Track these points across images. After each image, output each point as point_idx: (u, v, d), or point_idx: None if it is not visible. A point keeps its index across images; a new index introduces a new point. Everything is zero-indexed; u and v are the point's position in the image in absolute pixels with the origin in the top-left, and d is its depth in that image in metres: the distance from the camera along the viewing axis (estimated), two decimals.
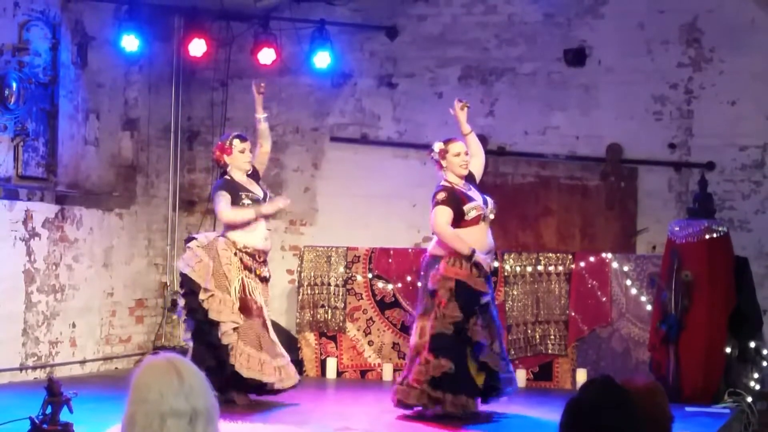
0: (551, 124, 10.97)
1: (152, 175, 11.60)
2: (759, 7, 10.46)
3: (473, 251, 7.92)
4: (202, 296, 8.32)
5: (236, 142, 8.67)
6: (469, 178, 8.30)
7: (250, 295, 8.43)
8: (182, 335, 9.19)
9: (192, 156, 11.92)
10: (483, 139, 10.38)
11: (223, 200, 8.49)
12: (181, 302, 8.52)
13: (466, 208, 8.05)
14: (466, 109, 8.43)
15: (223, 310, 8.29)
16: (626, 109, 10.75)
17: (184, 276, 8.50)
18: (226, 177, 8.64)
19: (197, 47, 10.83)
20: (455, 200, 8.04)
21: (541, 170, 10.95)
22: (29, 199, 9.85)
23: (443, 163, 8.18)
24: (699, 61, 10.60)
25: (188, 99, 11.85)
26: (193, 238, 8.70)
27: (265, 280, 8.61)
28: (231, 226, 8.52)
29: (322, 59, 10.92)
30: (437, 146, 8.24)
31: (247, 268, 8.45)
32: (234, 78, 11.66)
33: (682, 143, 10.65)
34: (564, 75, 10.94)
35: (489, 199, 8.27)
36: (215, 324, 8.29)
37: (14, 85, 9.51)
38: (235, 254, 8.42)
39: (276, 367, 8.41)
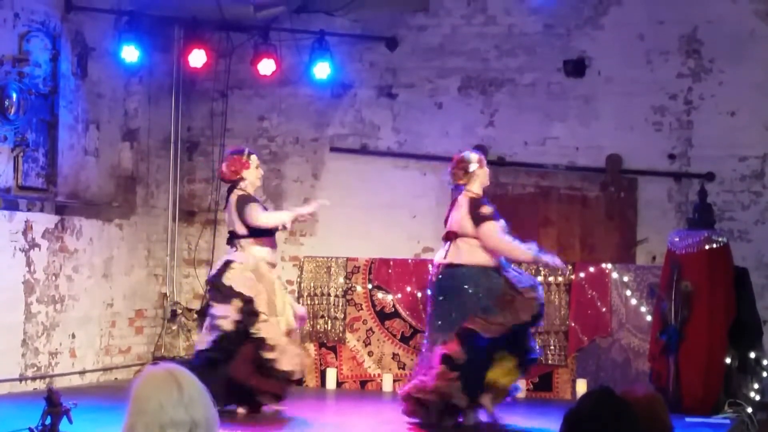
0: (551, 135, 10.98)
1: (152, 185, 11.60)
2: (758, 18, 10.48)
3: (537, 252, 8.10)
4: (260, 320, 8.41)
5: (254, 157, 8.88)
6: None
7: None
8: (197, 340, 9.19)
9: (192, 166, 11.92)
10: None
11: (256, 208, 8.64)
12: (220, 310, 8.47)
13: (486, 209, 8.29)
14: None
15: (276, 332, 8.43)
16: (626, 119, 10.76)
17: (228, 289, 8.49)
18: (244, 192, 8.69)
19: (197, 58, 10.84)
20: (496, 216, 8.26)
21: (540, 181, 10.96)
22: (29, 210, 9.85)
23: (479, 173, 8.34)
24: (698, 71, 10.61)
25: (188, 110, 11.85)
26: (232, 261, 8.67)
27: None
28: (259, 243, 8.60)
29: (321, 70, 10.93)
30: (474, 156, 8.41)
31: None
32: (234, 89, 11.68)
33: (682, 154, 10.65)
34: (564, 86, 10.95)
35: (503, 223, 8.43)
36: (265, 345, 8.37)
37: (14, 95, 9.52)
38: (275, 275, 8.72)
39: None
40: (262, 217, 8.59)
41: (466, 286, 8.03)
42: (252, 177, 8.76)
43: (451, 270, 8.13)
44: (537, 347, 8.54)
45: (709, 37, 10.57)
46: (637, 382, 9.56)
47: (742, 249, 10.19)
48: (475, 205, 8.18)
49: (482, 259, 8.13)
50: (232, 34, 11.35)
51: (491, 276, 8.10)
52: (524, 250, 8.16)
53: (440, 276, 8.20)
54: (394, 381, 10.36)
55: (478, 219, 8.13)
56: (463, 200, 8.24)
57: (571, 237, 10.83)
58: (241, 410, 8.45)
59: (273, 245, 8.75)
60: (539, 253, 8.15)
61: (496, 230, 8.13)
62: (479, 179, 8.32)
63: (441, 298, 8.16)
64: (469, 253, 8.13)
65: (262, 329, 8.35)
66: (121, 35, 10.60)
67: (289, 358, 8.42)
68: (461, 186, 8.31)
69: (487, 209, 8.18)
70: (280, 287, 8.66)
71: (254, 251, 8.59)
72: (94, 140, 10.79)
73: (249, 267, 8.52)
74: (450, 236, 8.26)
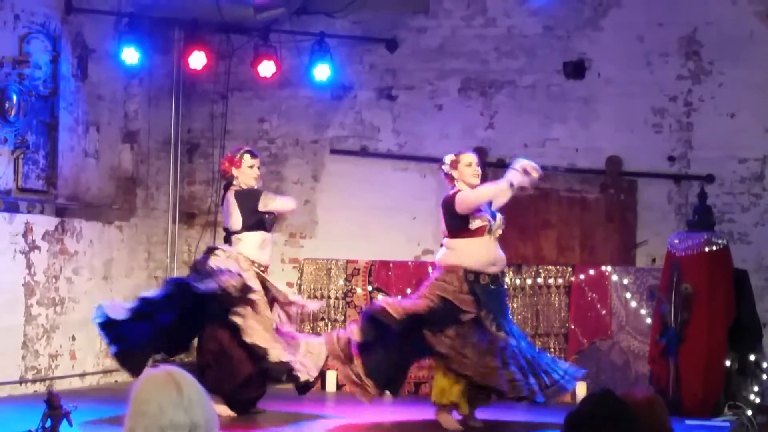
0: (551, 137, 10.97)
1: (152, 187, 11.60)
2: (758, 20, 10.48)
3: (510, 182, 8.06)
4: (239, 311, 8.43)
5: (246, 157, 8.77)
6: None
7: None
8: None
9: (192, 168, 11.92)
10: (482, 152, 10.42)
11: (270, 194, 8.86)
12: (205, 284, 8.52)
13: (471, 216, 8.09)
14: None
15: (257, 330, 8.42)
16: (626, 121, 10.76)
17: (213, 269, 8.55)
18: (240, 188, 8.70)
19: (197, 60, 10.84)
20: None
21: (540, 183, 10.91)
22: (29, 212, 9.85)
23: (454, 174, 8.24)
24: (698, 73, 10.61)
25: (188, 111, 11.85)
26: (217, 248, 8.75)
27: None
28: (243, 241, 8.61)
29: (321, 72, 10.93)
30: (448, 158, 8.31)
31: (264, 286, 8.64)
32: (234, 90, 11.68)
33: (682, 156, 10.65)
34: (563, 87, 10.95)
35: (499, 215, 8.27)
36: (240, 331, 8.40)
37: (14, 97, 9.52)
38: (255, 273, 8.59)
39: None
40: (280, 199, 8.84)
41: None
42: (245, 176, 8.72)
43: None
44: (533, 389, 8.04)
45: (708, 39, 10.57)
46: (636, 385, 9.56)
47: (742, 251, 10.19)
48: (448, 194, 8.22)
49: (451, 259, 8.11)
50: (232, 35, 11.35)
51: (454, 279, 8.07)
52: (497, 186, 8.16)
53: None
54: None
55: (448, 200, 8.15)
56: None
57: (570, 239, 10.83)
58: (224, 410, 8.40)
59: (262, 247, 8.70)
60: (510, 176, 8.08)
61: (466, 193, 8.09)
62: (462, 177, 8.22)
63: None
64: (444, 255, 8.19)
65: (243, 314, 8.38)
66: (122, 37, 10.60)
67: (271, 346, 8.39)
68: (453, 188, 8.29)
69: (454, 191, 8.15)
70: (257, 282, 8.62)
71: (249, 253, 8.61)
72: (94, 142, 10.79)
73: (232, 256, 8.56)
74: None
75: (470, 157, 8.32)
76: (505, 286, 8.53)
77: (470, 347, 7.93)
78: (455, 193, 8.14)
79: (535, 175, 8.21)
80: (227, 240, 8.79)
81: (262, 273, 8.67)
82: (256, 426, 8.14)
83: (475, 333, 7.98)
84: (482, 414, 8.27)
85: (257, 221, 8.69)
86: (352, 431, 8.30)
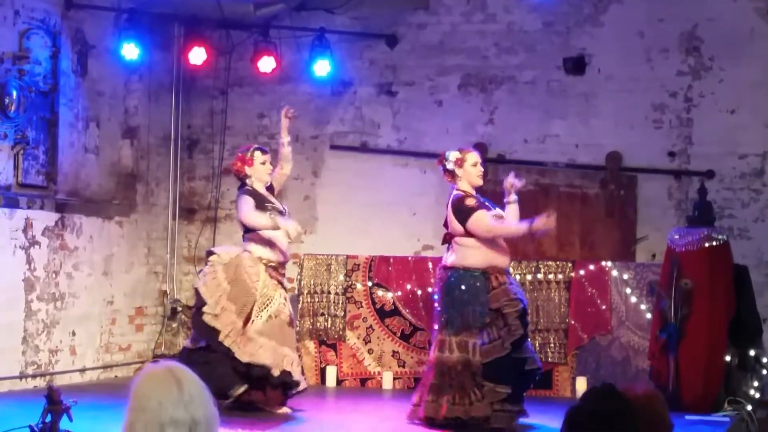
0: (551, 132, 10.98)
1: (152, 183, 11.60)
2: (758, 16, 10.48)
3: (531, 223, 7.91)
4: (206, 310, 8.40)
5: (257, 154, 8.76)
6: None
7: (283, 306, 8.58)
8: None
9: (192, 164, 11.92)
10: (483, 147, 10.42)
11: (247, 204, 8.55)
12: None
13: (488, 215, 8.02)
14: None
15: (230, 330, 8.40)
16: (626, 117, 10.76)
17: (196, 290, 8.65)
18: (248, 187, 8.68)
19: (197, 55, 10.84)
20: (484, 205, 8.05)
21: (540, 178, 10.96)
22: (29, 207, 9.85)
23: (459, 172, 8.11)
24: (698, 69, 10.62)
25: (188, 107, 11.85)
26: (212, 253, 8.76)
27: (286, 290, 8.81)
28: (253, 240, 8.60)
29: (321, 67, 10.93)
30: (452, 155, 8.15)
31: (280, 283, 8.63)
32: (234, 86, 11.68)
33: (682, 151, 10.66)
34: (563, 83, 10.95)
35: (497, 210, 8.17)
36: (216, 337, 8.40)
37: (14, 93, 9.52)
38: (265, 270, 8.53)
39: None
40: (250, 213, 8.52)
41: (463, 287, 7.97)
42: (258, 173, 8.72)
43: (449, 272, 8.09)
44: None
45: (709, 35, 10.57)
46: (636, 380, 9.57)
47: (742, 247, 10.19)
48: (458, 201, 8.05)
49: (472, 261, 8.03)
50: (232, 31, 11.35)
51: (478, 279, 8.00)
52: (517, 226, 8.04)
53: (441, 279, 8.18)
54: (394, 379, 10.37)
55: (463, 214, 7.98)
56: (450, 200, 8.19)
57: (570, 235, 10.83)
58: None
59: (271, 245, 8.68)
60: (531, 221, 7.92)
61: (483, 218, 7.94)
62: (465, 177, 8.13)
63: (447, 299, 8.09)
64: (460, 256, 8.07)
65: (211, 321, 8.40)
66: (122, 33, 10.60)
67: (252, 350, 8.35)
68: (453, 185, 8.21)
69: (470, 201, 8.00)
70: (270, 286, 8.57)
71: (258, 251, 8.61)
72: (95, 138, 10.79)
73: (224, 260, 8.58)
74: (447, 238, 8.21)
75: (475, 157, 8.21)
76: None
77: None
78: (471, 209, 8.00)
79: (552, 225, 8.06)
80: (243, 237, 8.81)
81: (274, 270, 8.64)
82: (256, 423, 8.14)
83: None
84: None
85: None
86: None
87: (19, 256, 9.76)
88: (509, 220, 8.15)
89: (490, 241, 8.01)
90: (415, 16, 11.32)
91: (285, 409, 8.57)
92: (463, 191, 8.10)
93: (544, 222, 7.96)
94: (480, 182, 8.21)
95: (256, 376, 8.37)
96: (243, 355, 8.33)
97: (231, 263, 8.57)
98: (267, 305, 8.49)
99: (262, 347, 8.36)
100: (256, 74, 11.02)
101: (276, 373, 8.36)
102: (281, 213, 8.65)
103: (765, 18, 10.47)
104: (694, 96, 10.62)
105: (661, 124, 10.71)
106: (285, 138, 9.00)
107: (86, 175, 10.67)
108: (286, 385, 8.52)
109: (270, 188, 8.84)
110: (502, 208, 8.24)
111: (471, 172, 8.14)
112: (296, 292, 10.75)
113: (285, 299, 8.65)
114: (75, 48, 10.46)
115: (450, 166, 8.14)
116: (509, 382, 7.87)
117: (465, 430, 7.82)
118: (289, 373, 8.42)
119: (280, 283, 8.68)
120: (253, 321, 8.42)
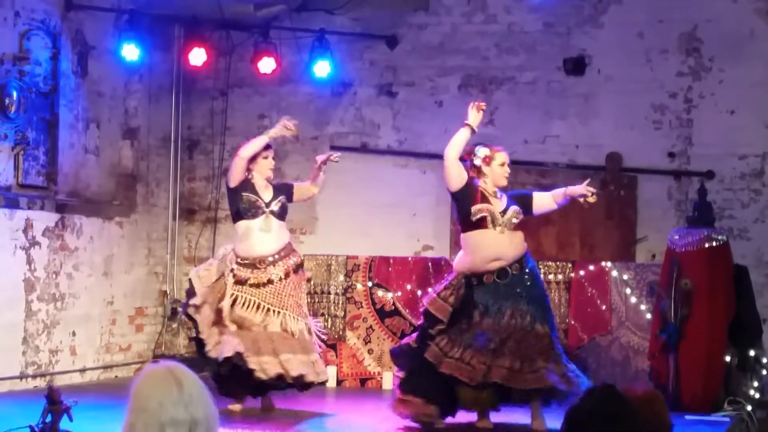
0: (551, 133, 10.98)
1: (152, 184, 11.60)
2: (758, 17, 10.48)
3: (468, 126, 7.91)
4: (192, 301, 8.46)
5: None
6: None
7: (242, 307, 8.42)
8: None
9: (192, 165, 11.93)
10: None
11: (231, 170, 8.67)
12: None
13: (474, 208, 7.87)
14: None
15: (204, 324, 8.42)
16: (626, 118, 10.77)
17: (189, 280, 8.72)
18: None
19: (197, 56, 10.85)
20: (469, 194, 7.90)
21: (540, 179, 10.96)
22: (29, 208, 9.86)
23: (485, 169, 8.00)
24: (698, 70, 10.62)
25: (188, 108, 11.86)
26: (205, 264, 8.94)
27: (269, 282, 8.53)
28: (238, 238, 8.59)
29: (322, 68, 10.93)
30: (482, 151, 8.02)
31: (239, 282, 8.48)
32: (234, 87, 11.69)
33: (682, 152, 10.66)
34: (564, 84, 10.95)
35: (513, 207, 8.01)
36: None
37: (15, 94, 9.53)
38: (231, 270, 8.48)
39: (304, 362, 8.49)
40: (240, 151, 8.62)
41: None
42: (260, 167, 8.68)
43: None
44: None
45: (708, 36, 10.57)
46: (636, 380, 9.58)
47: (742, 247, 10.20)
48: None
49: (462, 265, 7.99)
50: (232, 32, 11.36)
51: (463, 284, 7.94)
52: (458, 143, 7.96)
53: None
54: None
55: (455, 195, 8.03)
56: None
57: (570, 235, 10.84)
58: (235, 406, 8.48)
59: (246, 241, 8.60)
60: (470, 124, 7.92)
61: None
62: (491, 176, 7.99)
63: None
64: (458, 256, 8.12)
65: (194, 314, 8.46)
66: (122, 34, 10.61)
67: (224, 344, 8.27)
68: (476, 180, 8.03)
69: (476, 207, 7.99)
70: (231, 281, 8.49)
71: (237, 248, 8.59)
72: (95, 138, 10.79)
73: (219, 255, 8.70)
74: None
75: (504, 157, 8.07)
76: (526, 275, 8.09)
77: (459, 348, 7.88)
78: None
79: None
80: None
81: (251, 268, 8.52)
82: (257, 422, 8.15)
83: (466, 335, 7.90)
84: (495, 417, 8.19)
85: (236, 211, 8.66)
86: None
87: (19, 256, 9.76)
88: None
89: (477, 245, 7.97)
90: (416, 17, 11.33)
91: (236, 406, 8.53)
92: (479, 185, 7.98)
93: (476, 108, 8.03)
94: (504, 183, 8.08)
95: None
96: (212, 351, 8.34)
97: (223, 258, 8.62)
98: (235, 303, 8.45)
99: (229, 343, 8.32)
100: (256, 75, 11.03)
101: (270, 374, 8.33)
102: (254, 202, 8.57)
103: (765, 19, 10.47)
104: (694, 97, 10.63)
105: (661, 125, 10.71)
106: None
107: (86, 175, 10.68)
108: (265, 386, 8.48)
109: (287, 190, 8.84)
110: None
111: (498, 172, 8.03)
112: None
113: (248, 299, 8.51)
114: (75, 49, 10.46)
115: (478, 162, 8.01)
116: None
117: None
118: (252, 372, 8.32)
119: (242, 282, 8.50)
120: (224, 317, 8.43)
